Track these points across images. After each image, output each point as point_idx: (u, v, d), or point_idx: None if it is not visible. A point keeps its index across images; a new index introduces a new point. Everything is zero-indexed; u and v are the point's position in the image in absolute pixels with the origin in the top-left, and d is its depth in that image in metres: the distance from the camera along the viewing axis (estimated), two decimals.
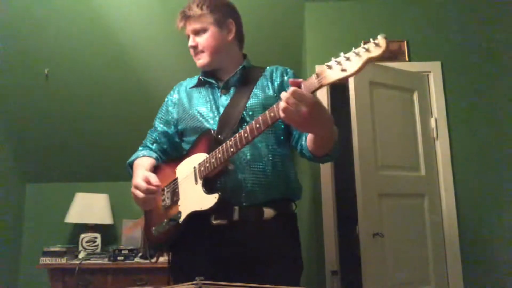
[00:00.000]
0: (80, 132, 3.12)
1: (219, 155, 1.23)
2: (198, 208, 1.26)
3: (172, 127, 1.54)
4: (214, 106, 1.42)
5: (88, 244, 3.01)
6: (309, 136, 1.27)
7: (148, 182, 1.31)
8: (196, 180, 1.30)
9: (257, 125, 1.13)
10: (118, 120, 3.05)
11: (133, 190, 1.33)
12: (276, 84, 1.45)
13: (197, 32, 1.43)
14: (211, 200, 1.24)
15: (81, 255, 2.90)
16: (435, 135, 2.59)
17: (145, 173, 1.35)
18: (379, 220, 2.27)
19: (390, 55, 2.69)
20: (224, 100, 1.42)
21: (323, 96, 2.63)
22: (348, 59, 0.95)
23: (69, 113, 3.05)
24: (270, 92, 1.43)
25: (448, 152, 2.57)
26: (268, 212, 1.32)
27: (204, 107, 1.43)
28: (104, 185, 3.25)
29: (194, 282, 0.89)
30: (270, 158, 1.36)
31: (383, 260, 2.23)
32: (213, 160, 1.25)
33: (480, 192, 2.54)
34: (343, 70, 0.95)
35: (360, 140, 2.30)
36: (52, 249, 2.83)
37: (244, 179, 1.31)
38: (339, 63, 0.96)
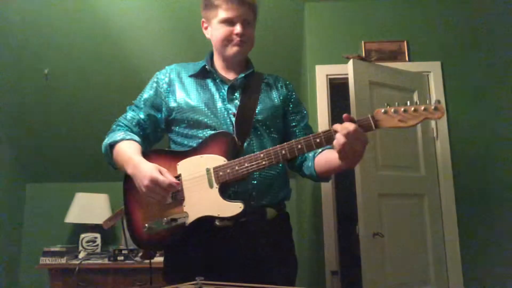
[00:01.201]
0: (80, 132, 3.13)
1: (247, 164, 1.21)
2: (215, 214, 1.22)
3: (163, 113, 1.43)
4: (222, 104, 1.38)
5: (88, 244, 3.01)
6: (326, 161, 1.31)
7: (166, 176, 1.22)
8: (210, 184, 1.24)
9: (299, 146, 1.19)
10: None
11: (150, 184, 1.19)
12: (282, 95, 1.47)
13: (246, 22, 1.38)
14: (234, 209, 1.21)
15: (81, 255, 2.91)
16: (435, 135, 2.59)
17: (155, 165, 1.24)
18: (379, 220, 2.27)
19: (390, 55, 2.69)
20: (231, 100, 1.39)
21: (323, 95, 2.63)
22: (406, 111, 1.11)
23: (69, 113, 3.05)
24: (276, 101, 1.45)
25: (448, 152, 2.57)
26: (271, 212, 1.34)
27: (211, 103, 1.37)
28: (104, 185, 3.25)
29: (194, 282, 0.89)
30: (278, 166, 1.37)
31: (383, 260, 2.23)
32: (237, 168, 1.22)
33: (480, 192, 2.54)
34: (400, 121, 1.11)
35: None
36: (52, 249, 2.83)
37: (255, 183, 1.32)
38: (397, 112, 1.12)
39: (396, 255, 2.27)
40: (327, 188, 2.54)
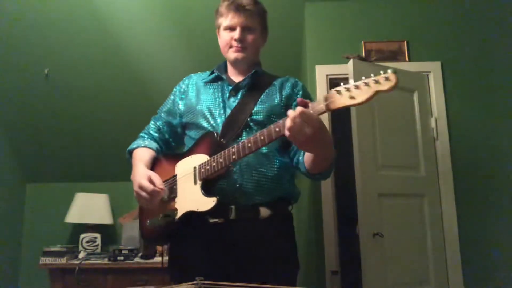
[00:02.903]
0: (80, 132, 3.13)
1: (221, 160, 1.25)
2: (195, 209, 1.29)
3: (177, 118, 1.54)
4: (221, 105, 1.43)
5: (88, 244, 3.01)
6: (307, 154, 1.30)
7: (152, 182, 1.32)
8: (195, 181, 1.31)
9: (261, 137, 1.17)
10: (118, 120, 3.05)
11: (137, 190, 1.33)
12: (284, 94, 1.47)
13: (246, 28, 1.44)
14: (209, 203, 1.26)
15: (81, 255, 2.90)
16: (435, 135, 2.59)
17: (148, 172, 1.36)
18: (379, 220, 2.27)
19: (390, 55, 2.69)
20: (232, 102, 1.44)
21: (323, 95, 2.63)
22: (357, 87, 0.98)
23: (69, 113, 3.05)
24: (277, 100, 1.45)
25: (448, 152, 2.57)
26: (264, 211, 1.35)
27: (213, 106, 1.44)
28: (104, 185, 3.25)
29: (194, 282, 0.89)
30: (272, 164, 1.38)
31: (383, 260, 2.23)
32: (214, 164, 1.27)
33: (480, 192, 2.54)
34: (351, 97, 0.99)
35: (360, 140, 2.30)
36: (52, 249, 2.83)
37: (245, 183, 1.33)
38: (348, 89, 1.00)
39: (396, 255, 2.27)
40: (327, 188, 2.54)
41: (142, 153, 1.48)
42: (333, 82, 2.68)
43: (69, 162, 3.26)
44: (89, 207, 3.07)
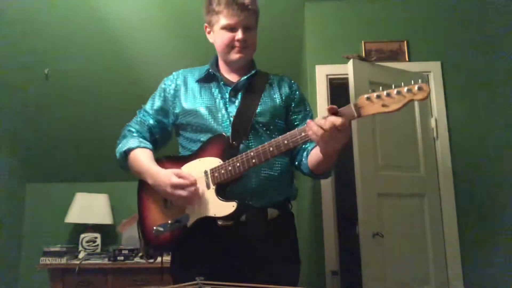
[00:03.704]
0: (80, 132, 3.12)
1: (238, 164, 1.24)
2: (211, 214, 1.26)
3: (170, 117, 1.48)
4: (223, 107, 1.40)
5: (88, 244, 3.01)
6: (316, 156, 1.29)
7: (182, 178, 1.26)
8: (208, 185, 1.29)
9: (285, 141, 1.18)
10: (118, 120, 3.03)
11: (171, 190, 1.26)
12: (284, 94, 1.48)
13: (247, 28, 1.40)
14: (228, 208, 1.24)
15: (81, 255, 2.91)
16: (435, 135, 2.59)
17: (169, 171, 1.30)
18: (379, 220, 2.27)
19: (390, 55, 2.69)
20: (233, 102, 1.41)
21: (323, 95, 2.63)
22: (389, 95, 1.03)
23: (69, 113, 3.05)
24: (278, 101, 1.46)
25: (448, 152, 2.57)
26: (271, 212, 1.36)
27: (213, 107, 1.40)
28: (104, 185, 3.25)
29: (194, 282, 0.89)
30: (275, 166, 1.38)
31: (383, 260, 2.23)
32: (230, 168, 1.25)
33: (480, 192, 2.54)
34: (384, 105, 1.04)
35: (360, 140, 2.30)
36: (52, 249, 2.83)
37: (253, 184, 1.33)
38: (379, 97, 1.04)
39: (396, 255, 2.27)
40: (327, 188, 2.54)
41: (147, 155, 1.40)
42: (333, 82, 2.68)
43: (69, 162, 3.26)
44: (89, 207, 3.07)
